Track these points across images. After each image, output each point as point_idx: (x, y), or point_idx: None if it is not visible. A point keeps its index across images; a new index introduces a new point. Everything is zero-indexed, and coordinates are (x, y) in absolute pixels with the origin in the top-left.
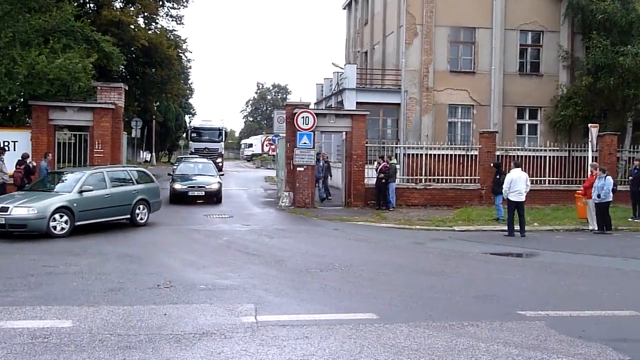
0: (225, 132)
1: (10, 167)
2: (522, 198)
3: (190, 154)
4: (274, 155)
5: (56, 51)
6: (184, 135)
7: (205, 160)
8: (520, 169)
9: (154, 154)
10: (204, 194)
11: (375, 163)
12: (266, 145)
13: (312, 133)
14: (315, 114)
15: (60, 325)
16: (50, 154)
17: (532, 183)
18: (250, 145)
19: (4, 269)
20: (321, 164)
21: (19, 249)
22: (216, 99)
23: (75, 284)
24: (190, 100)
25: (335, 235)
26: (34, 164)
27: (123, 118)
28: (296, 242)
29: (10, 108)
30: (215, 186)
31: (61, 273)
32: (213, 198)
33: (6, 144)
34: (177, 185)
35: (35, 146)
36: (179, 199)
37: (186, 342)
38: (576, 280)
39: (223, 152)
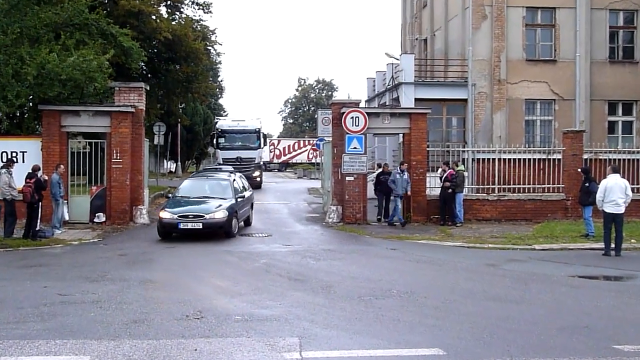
0: (264, 136)
1: (19, 181)
2: (621, 210)
3: (217, 166)
4: (317, 163)
5: (68, 48)
6: (211, 140)
7: (222, 175)
8: (618, 174)
9: (179, 163)
10: (201, 227)
11: (439, 170)
12: (271, 151)
13: (363, 136)
14: (367, 113)
15: None
16: (62, 166)
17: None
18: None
19: (14, 298)
20: (406, 176)
21: (30, 274)
22: (250, 98)
23: (93, 315)
24: (220, 101)
25: (392, 257)
26: (46, 177)
27: (144, 123)
28: (346, 265)
29: (18, 114)
30: (219, 215)
31: (77, 302)
32: (218, 232)
33: (14, 154)
34: (165, 214)
35: (46, 157)
36: (168, 233)
37: None
38: None
39: (262, 163)
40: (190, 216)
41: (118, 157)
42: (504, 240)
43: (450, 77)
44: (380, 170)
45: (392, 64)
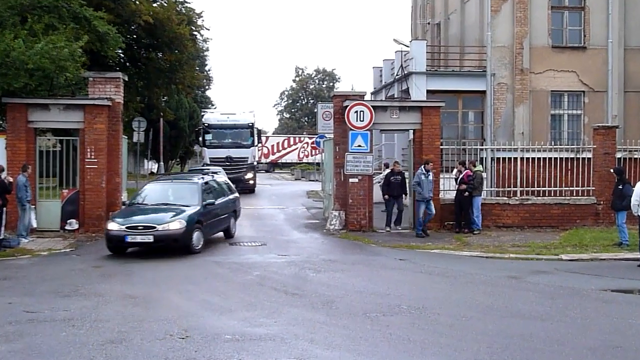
0: (259, 132)
1: None
2: None
3: (203, 166)
4: (317, 163)
5: (36, 33)
6: (197, 136)
7: (193, 178)
8: None
9: (162, 163)
10: (152, 240)
11: (455, 171)
12: (258, 150)
13: (368, 132)
14: (373, 106)
15: None
16: (30, 167)
17: None
18: None
19: None
20: (431, 177)
21: None
22: (242, 90)
23: (65, 335)
24: (208, 93)
25: (401, 268)
26: (11, 179)
27: (122, 118)
28: (350, 277)
29: None
30: (174, 226)
31: (47, 320)
32: (173, 247)
33: None
34: (113, 225)
35: (10, 156)
36: (118, 248)
37: None
38: None
39: (256, 163)
40: (140, 227)
41: (92, 157)
42: (527, 249)
43: (467, 66)
44: (389, 170)
45: (402, 51)
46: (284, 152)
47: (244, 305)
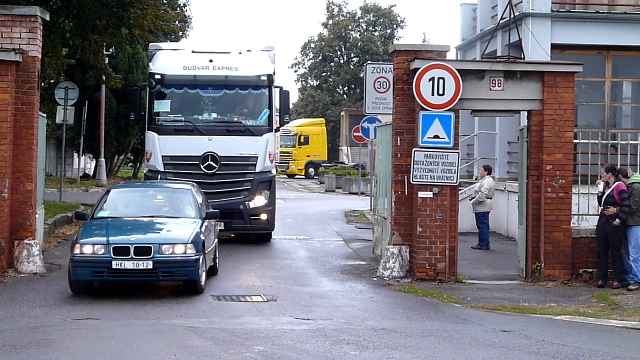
0: (286, 97)
1: None
2: None
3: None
4: (358, 166)
5: None
6: (134, 105)
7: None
8: None
9: (103, 159)
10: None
11: (599, 183)
12: None
13: (451, 114)
14: (460, 70)
15: None
16: None
17: None
18: None
19: None
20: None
21: None
22: (238, 38)
23: None
24: (183, 42)
25: (504, 345)
26: None
27: (39, 83)
28: None
29: None
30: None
31: None
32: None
33: None
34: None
35: None
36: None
37: None
38: None
39: (274, 171)
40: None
41: None
42: None
43: (621, 4)
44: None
45: None
46: None
47: None
